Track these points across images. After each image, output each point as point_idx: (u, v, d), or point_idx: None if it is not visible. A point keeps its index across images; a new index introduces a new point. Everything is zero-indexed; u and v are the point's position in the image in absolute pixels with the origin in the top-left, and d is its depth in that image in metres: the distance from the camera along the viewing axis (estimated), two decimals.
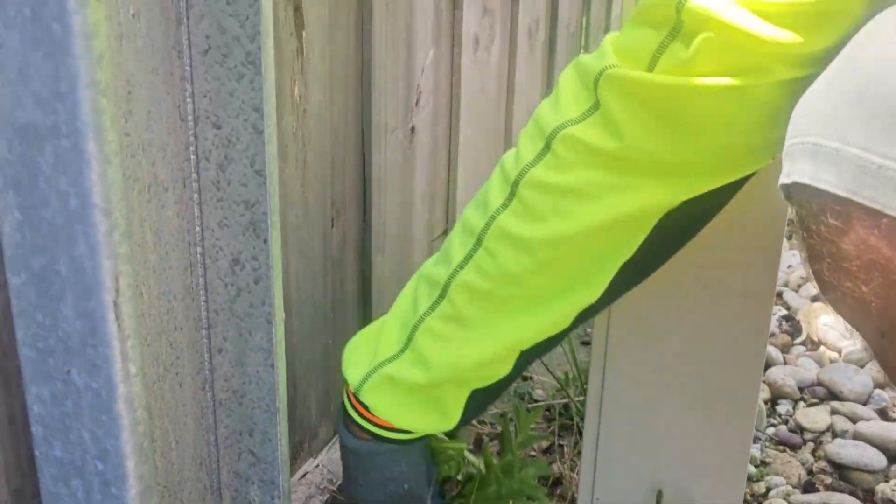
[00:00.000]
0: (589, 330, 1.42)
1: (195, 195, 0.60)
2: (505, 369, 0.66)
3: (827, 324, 1.46)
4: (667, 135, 0.56)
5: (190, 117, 0.58)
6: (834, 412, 1.24)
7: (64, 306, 0.46)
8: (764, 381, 1.31)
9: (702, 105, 0.54)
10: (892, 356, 0.46)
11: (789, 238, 1.81)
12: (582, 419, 1.13)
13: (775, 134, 0.51)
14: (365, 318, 0.96)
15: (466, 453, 0.80)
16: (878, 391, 1.29)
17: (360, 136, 0.90)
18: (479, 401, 0.68)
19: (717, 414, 0.84)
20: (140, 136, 0.53)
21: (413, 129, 1.01)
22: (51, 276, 0.45)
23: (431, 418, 0.67)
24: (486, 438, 1.11)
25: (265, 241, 0.59)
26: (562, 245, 0.60)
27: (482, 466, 0.82)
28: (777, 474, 1.12)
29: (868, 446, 1.15)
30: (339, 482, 0.87)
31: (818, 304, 1.54)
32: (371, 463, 0.68)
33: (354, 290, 0.94)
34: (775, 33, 0.50)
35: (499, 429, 1.08)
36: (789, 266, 1.68)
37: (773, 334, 1.45)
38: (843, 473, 1.12)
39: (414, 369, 0.64)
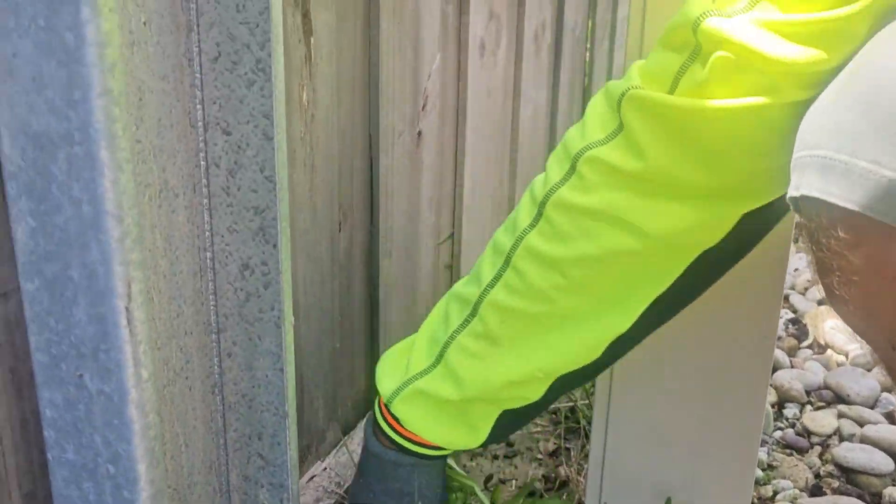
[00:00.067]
0: None
1: (205, 201, 0.60)
2: (537, 393, 0.66)
3: (834, 327, 1.46)
4: (687, 157, 0.56)
5: (200, 124, 0.59)
6: (841, 416, 1.24)
7: (77, 311, 0.46)
8: (771, 385, 1.31)
9: (717, 127, 0.54)
10: None
11: (796, 241, 1.81)
12: (588, 422, 1.13)
13: None
14: (372, 321, 0.97)
15: (477, 490, 0.81)
16: (885, 395, 1.29)
17: (368, 140, 0.91)
18: (509, 422, 0.68)
19: (725, 417, 0.84)
20: (151, 142, 0.54)
21: (420, 133, 1.02)
22: (64, 282, 0.46)
23: (459, 433, 0.67)
24: (497, 478, 1.11)
25: (274, 247, 0.60)
26: (589, 266, 0.60)
27: None
28: (784, 478, 1.12)
29: (875, 450, 1.14)
30: (346, 485, 0.88)
31: (825, 308, 1.54)
32: (393, 473, 0.69)
33: (362, 293, 0.94)
34: (788, 52, 0.50)
35: (510, 470, 1.09)
36: (796, 269, 1.68)
37: (779, 337, 1.45)
38: (850, 477, 1.12)
39: (445, 385, 0.65)
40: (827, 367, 1.37)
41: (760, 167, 0.56)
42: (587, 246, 0.60)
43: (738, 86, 0.52)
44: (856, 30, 0.50)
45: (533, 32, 1.34)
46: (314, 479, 0.88)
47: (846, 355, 1.40)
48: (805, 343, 1.46)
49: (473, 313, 0.65)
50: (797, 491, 1.09)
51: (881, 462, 1.12)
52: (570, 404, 1.20)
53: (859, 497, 1.08)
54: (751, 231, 0.62)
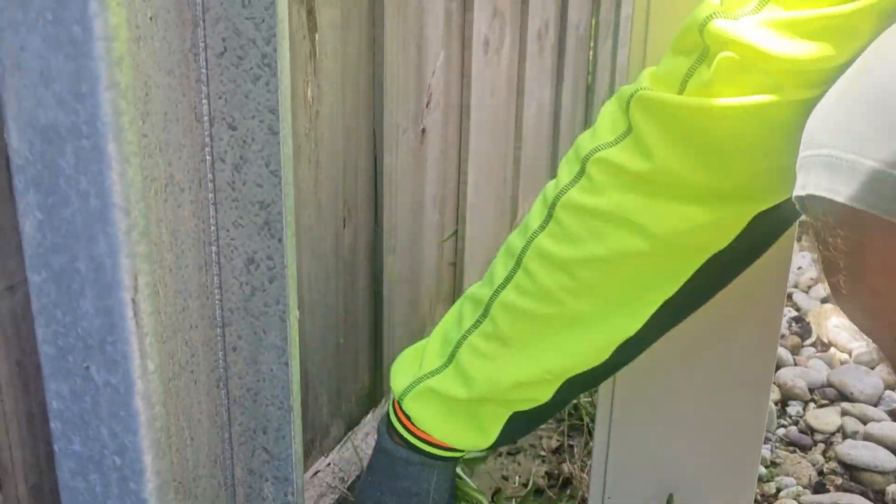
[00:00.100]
0: None
1: (210, 195, 0.60)
2: (545, 395, 0.66)
3: (837, 325, 1.46)
4: (694, 156, 0.56)
5: (206, 118, 0.59)
6: (844, 413, 1.24)
7: (83, 304, 0.47)
8: (774, 383, 1.31)
9: (723, 125, 0.55)
10: None
11: (799, 240, 1.81)
12: (591, 419, 1.13)
13: None
14: (376, 317, 0.97)
15: (485, 502, 0.82)
16: (888, 392, 1.29)
17: (372, 137, 0.91)
18: (519, 425, 0.69)
19: (728, 415, 0.84)
20: (157, 136, 0.54)
21: (424, 130, 1.02)
22: (71, 275, 0.46)
23: (469, 433, 0.68)
24: (500, 475, 1.11)
25: (280, 241, 0.60)
26: (597, 267, 0.60)
27: None
28: (787, 475, 1.12)
29: (879, 447, 1.15)
30: (350, 481, 0.88)
31: (828, 306, 1.54)
32: (403, 471, 0.69)
33: (366, 289, 0.95)
34: (791, 49, 0.50)
35: (513, 467, 1.09)
36: (799, 268, 1.68)
37: (783, 336, 1.45)
38: (853, 474, 1.12)
39: (455, 384, 0.66)
40: (830, 365, 1.38)
41: (767, 167, 0.56)
42: (595, 247, 0.60)
43: (742, 85, 0.53)
44: (860, 26, 0.50)
45: (536, 31, 1.34)
46: (318, 474, 0.88)
47: (850, 353, 1.40)
48: (808, 341, 1.46)
49: (485, 314, 0.65)
50: (800, 488, 1.09)
51: (885, 459, 1.12)
52: (574, 401, 1.20)
53: (862, 494, 1.08)
54: (761, 234, 0.62)
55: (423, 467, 0.70)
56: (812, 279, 1.64)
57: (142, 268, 0.47)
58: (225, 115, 0.59)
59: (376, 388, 1.00)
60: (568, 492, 1.07)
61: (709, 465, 0.86)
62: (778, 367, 1.35)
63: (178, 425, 0.60)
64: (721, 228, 0.60)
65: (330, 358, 0.89)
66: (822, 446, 1.19)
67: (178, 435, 0.60)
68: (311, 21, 0.77)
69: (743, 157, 0.56)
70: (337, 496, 0.86)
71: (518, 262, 0.64)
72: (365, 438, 0.94)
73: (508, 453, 1.20)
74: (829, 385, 1.32)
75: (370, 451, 0.93)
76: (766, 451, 1.16)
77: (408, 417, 0.68)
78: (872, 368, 1.34)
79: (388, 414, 0.71)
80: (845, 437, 1.20)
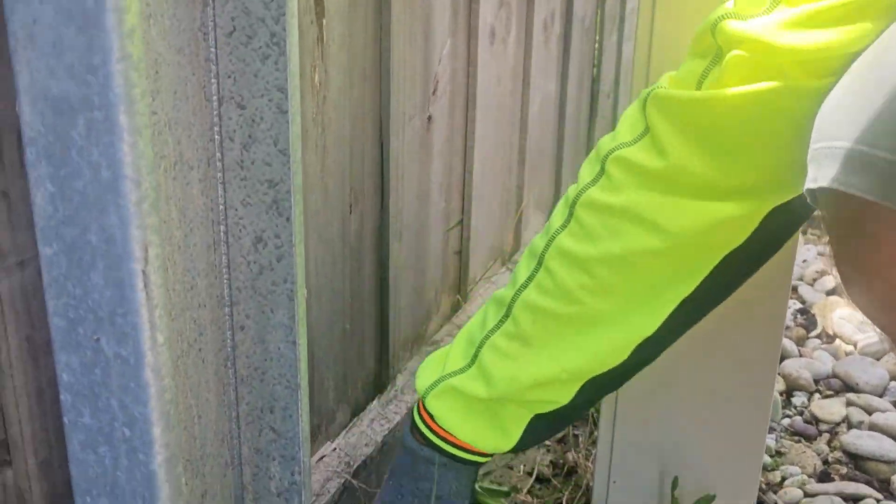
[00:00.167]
0: None
1: (219, 174, 0.61)
2: (565, 396, 0.66)
3: (843, 317, 1.46)
4: (706, 151, 0.57)
5: (215, 97, 0.59)
6: (850, 404, 1.24)
7: (94, 275, 0.47)
8: (779, 374, 1.32)
9: (732, 116, 0.55)
10: None
11: (804, 233, 1.80)
12: (596, 409, 1.14)
13: None
14: (382, 304, 0.97)
15: None
16: (893, 383, 1.29)
17: (379, 123, 0.91)
18: (541, 428, 0.69)
19: (733, 404, 0.84)
20: (167, 114, 0.55)
21: (430, 117, 1.02)
22: (82, 246, 0.47)
23: (490, 434, 0.68)
24: (504, 464, 1.11)
25: (288, 220, 0.61)
26: (614, 265, 0.61)
27: None
28: (792, 464, 1.12)
29: (884, 437, 1.15)
30: (356, 466, 0.88)
31: (833, 298, 1.53)
32: (425, 472, 0.69)
33: (372, 276, 0.95)
34: (795, 39, 0.51)
35: (518, 457, 1.09)
36: (804, 261, 1.68)
37: (788, 327, 1.45)
38: (858, 464, 1.12)
39: (477, 383, 0.66)
40: (835, 356, 1.38)
41: (779, 161, 0.56)
42: (612, 245, 0.60)
43: (749, 76, 0.53)
44: (868, 15, 0.50)
45: (542, 21, 1.34)
46: (324, 458, 0.88)
47: (855, 345, 1.40)
48: (814, 333, 1.46)
49: (507, 314, 0.66)
50: (805, 477, 1.09)
51: (889, 449, 1.12)
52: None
53: (867, 483, 1.08)
54: (776, 230, 0.62)
55: (444, 469, 0.69)
56: (817, 272, 1.64)
57: (152, 240, 0.47)
58: (234, 94, 0.59)
59: (382, 375, 1.00)
60: (573, 480, 1.08)
61: (713, 453, 0.86)
62: (783, 359, 1.35)
63: (185, 403, 0.60)
64: (736, 225, 0.60)
65: (336, 343, 0.89)
66: (827, 436, 1.19)
67: (186, 412, 0.60)
68: (318, 6, 0.78)
69: (754, 151, 0.56)
70: (343, 481, 0.86)
71: (540, 262, 0.64)
72: (371, 424, 0.95)
73: None
74: (835, 376, 1.32)
75: (376, 438, 0.93)
76: (771, 441, 1.16)
77: (431, 417, 0.68)
78: (878, 360, 1.34)
79: (412, 414, 0.71)
80: (850, 427, 1.20)
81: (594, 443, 1.07)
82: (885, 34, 0.47)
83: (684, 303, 0.63)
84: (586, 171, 0.64)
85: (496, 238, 1.31)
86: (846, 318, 1.46)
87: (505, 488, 0.81)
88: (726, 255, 0.62)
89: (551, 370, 0.64)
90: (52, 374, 0.56)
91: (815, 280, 1.63)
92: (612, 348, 0.64)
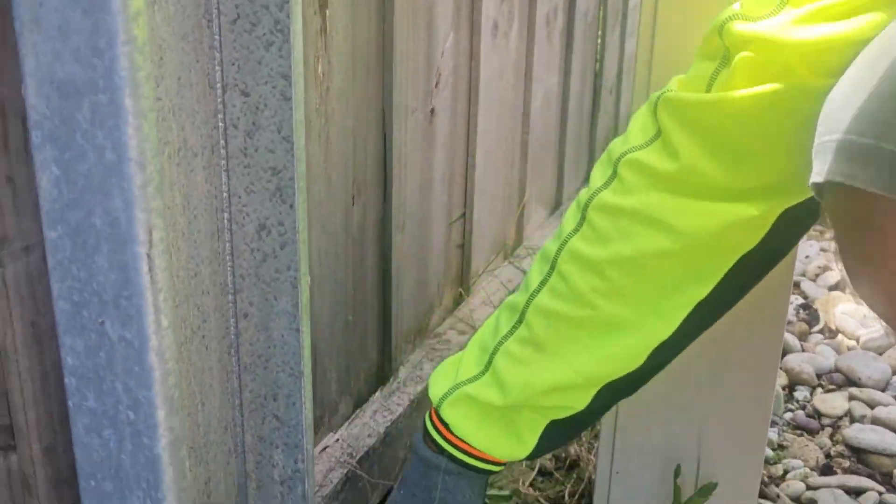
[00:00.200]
0: None
1: (223, 161, 0.61)
2: (581, 402, 0.66)
3: (845, 312, 1.46)
4: (717, 154, 0.57)
5: (219, 85, 0.60)
6: (852, 398, 1.24)
7: (99, 259, 0.47)
8: (781, 368, 1.32)
9: (740, 118, 0.55)
10: None
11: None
12: None
13: None
14: (385, 296, 0.98)
15: None
16: None
17: (381, 115, 0.92)
18: (557, 434, 0.68)
19: (736, 395, 0.84)
20: (171, 100, 0.55)
21: (433, 110, 1.02)
22: (86, 230, 0.47)
23: (506, 442, 0.67)
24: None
25: (291, 207, 0.61)
26: (626, 267, 0.61)
27: None
28: (795, 457, 1.12)
29: (887, 431, 1.15)
30: (359, 456, 0.88)
31: (836, 294, 1.53)
32: (438, 481, 0.69)
33: (375, 268, 0.95)
34: (800, 34, 0.51)
35: (523, 466, 1.09)
36: (807, 256, 1.68)
37: (790, 322, 1.45)
38: (861, 457, 1.12)
39: (491, 390, 0.66)
40: (838, 351, 1.38)
41: (790, 162, 0.56)
42: (625, 247, 0.60)
43: (759, 79, 0.53)
44: (880, 4, 0.50)
45: (545, 16, 1.34)
46: (326, 449, 0.89)
47: (857, 340, 1.40)
48: (816, 328, 1.46)
49: (520, 319, 0.66)
50: (808, 470, 1.09)
51: (892, 442, 1.12)
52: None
53: (870, 476, 1.08)
54: (789, 230, 0.62)
55: (458, 478, 0.69)
56: (819, 267, 1.64)
57: (156, 223, 0.47)
58: (238, 82, 0.59)
59: (385, 367, 1.01)
60: (575, 473, 1.08)
61: (716, 446, 0.86)
62: (785, 353, 1.35)
63: (189, 390, 0.61)
64: (749, 226, 0.60)
65: (339, 334, 0.89)
66: (829, 430, 1.19)
67: (189, 399, 0.61)
68: None
69: (765, 153, 0.56)
70: (346, 471, 0.86)
71: (552, 266, 0.64)
72: (373, 416, 0.95)
73: None
74: (837, 370, 1.32)
75: (379, 429, 0.93)
76: (773, 435, 1.16)
77: (445, 426, 0.68)
78: (880, 354, 1.34)
79: (424, 423, 0.70)
80: (853, 421, 1.20)
81: (596, 436, 1.07)
82: (891, 25, 0.47)
83: (700, 306, 0.63)
84: (598, 174, 0.64)
85: (498, 232, 1.31)
86: (848, 314, 1.46)
87: (506, 492, 0.80)
88: (741, 258, 0.61)
89: (566, 375, 0.64)
90: (57, 359, 0.57)
91: (817, 276, 1.63)
92: (627, 353, 0.64)
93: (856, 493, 1.05)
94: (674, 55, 0.78)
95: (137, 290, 0.47)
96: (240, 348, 0.65)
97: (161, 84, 0.53)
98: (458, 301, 1.19)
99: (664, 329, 0.63)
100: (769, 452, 1.12)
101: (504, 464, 0.69)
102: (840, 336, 1.43)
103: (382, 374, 1.01)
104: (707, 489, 0.81)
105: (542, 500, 1.02)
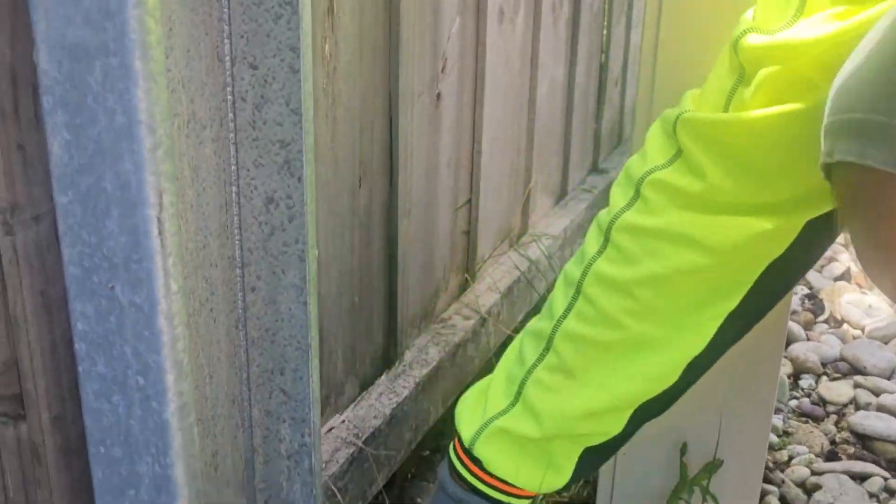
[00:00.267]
0: None
1: (231, 135, 0.61)
2: (617, 426, 0.65)
3: (850, 302, 1.46)
4: (742, 172, 0.57)
5: (227, 58, 0.60)
6: (857, 386, 1.24)
7: (109, 223, 0.47)
8: (787, 357, 1.31)
9: (760, 139, 0.54)
10: None
11: None
12: None
13: None
14: (391, 279, 0.98)
15: None
16: None
17: (388, 99, 0.92)
18: (592, 460, 0.68)
19: (741, 377, 0.84)
20: (180, 71, 0.55)
21: (439, 94, 1.03)
22: (97, 194, 0.47)
23: (543, 473, 0.66)
24: None
25: (299, 180, 0.61)
26: (657, 286, 0.60)
27: None
28: (800, 444, 1.12)
29: (892, 418, 1.15)
30: (365, 437, 0.89)
31: (841, 284, 1.53)
32: None
33: (381, 251, 0.95)
34: (812, 32, 0.50)
35: None
36: None
37: (795, 312, 1.45)
38: (866, 443, 1.12)
39: (525, 422, 0.65)
40: (843, 340, 1.37)
41: (813, 178, 0.53)
42: (654, 266, 0.60)
43: (780, 95, 0.53)
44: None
45: (551, 4, 1.35)
46: (332, 430, 0.89)
47: (862, 330, 1.40)
48: (821, 318, 1.46)
49: (548, 347, 0.65)
50: (813, 456, 1.10)
51: None
52: None
53: (875, 463, 1.08)
54: (819, 236, 0.61)
55: None
56: (825, 258, 1.64)
57: (166, 186, 0.47)
58: (246, 55, 0.60)
59: (390, 350, 1.01)
60: None
61: (721, 428, 0.86)
62: (791, 342, 1.35)
63: (198, 362, 0.61)
64: (777, 236, 0.60)
65: (345, 315, 0.90)
66: (834, 417, 1.19)
67: (197, 372, 0.61)
68: None
69: (789, 170, 0.56)
70: (351, 451, 0.86)
71: (578, 290, 0.63)
72: (379, 398, 0.95)
73: None
74: (842, 359, 1.32)
75: (384, 410, 0.94)
76: (778, 421, 1.16)
77: (475, 463, 0.66)
78: (886, 343, 1.34)
79: (450, 462, 0.69)
80: (858, 408, 1.20)
81: None
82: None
83: (730, 317, 0.62)
84: (618, 195, 0.63)
85: (504, 219, 1.31)
86: (854, 303, 1.45)
87: None
88: (768, 266, 0.61)
89: (601, 400, 0.63)
90: (66, 328, 0.57)
91: (823, 266, 1.63)
92: (661, 371, 0.63)
93: (860, 478, 1.05)
94: (679, 47, 0.78)
95: (147, 253, 0.47)
96: (247, 322, 0.65)
97: (170, 55, 0.54)
98: (463, 287, 1.19)
99: (697, 343, 0.63)
100: (774, 439, 1.12)
101: (539, 495, 0.68)
102: (845, 325, 1.43)
103: (388, 358, 1.01)
104: (713, 466, 0.82)
105: None
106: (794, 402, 1.22)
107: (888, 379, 1.26)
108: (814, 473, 1.05)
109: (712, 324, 0.62)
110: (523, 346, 0.67)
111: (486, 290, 1.20)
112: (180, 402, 0.51)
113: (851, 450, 1.11)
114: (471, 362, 1.13)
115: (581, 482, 1.01)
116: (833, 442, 1.13)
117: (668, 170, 0.60)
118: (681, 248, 0.59)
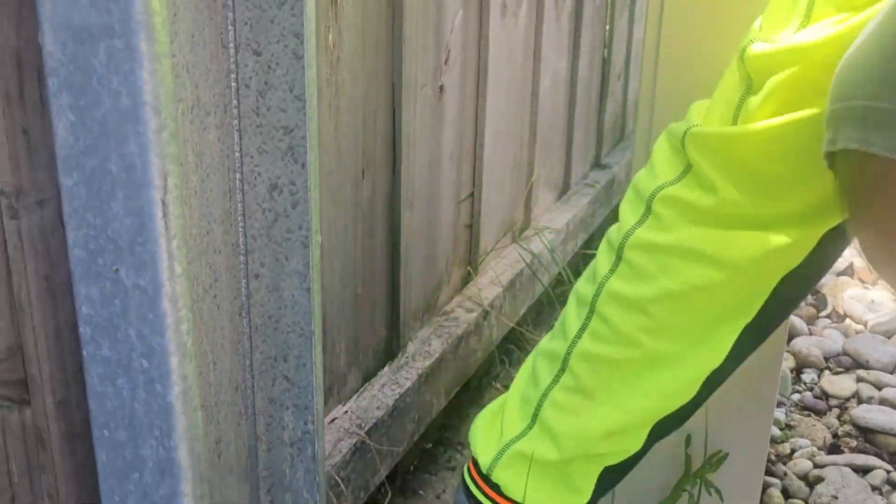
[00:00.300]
0: None
1: (235, 122, 0.61)
2: (636, 444, 0.65)
3: (853, 297, 1.46)
4: (754, 185, 0.56)
5: (231, 45, 0.60)
6: (860, 380, 1.24)
7: (114, 205, 0.48)
8: (789, 351, 1.31)
9: (772, 148, 0.54)
10: None
11: None
12: None
13: None
14: (393, 271, 0.98)
15: None
16: None
17: (391, 89, 0.92)
18: (610, 479, 0.67)
19: (741, 375, 0.84)
20: (184, 57, 0.55)
21: (442, 87, 1.03)
22: (102, 176, 0.47)
23: (563, 495, 0.66)
24: None
25: (303, 166, 0.61)
26: (672, 302, 0.60)
27: None
28: (802, 437, 1.12)
29: (895, 411, 1.14)
30: (367, 427, 0.89)
31: (844, 279, 1.53)
32: None
33: (384, 242, 0.96)
34: (816, 34, 0.50)
35: None
36: None
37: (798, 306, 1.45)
38: (868, 437, 1.12)
39: (543, 445, 0.64)
40: (846, 335, 1.37)
41: (828, 187, 0.53)
42: (669, 282, 0.59)
43: (787, 102, 0.52)
44: None
45: None
46: (335, 421, 0.89)
47: (865, 325, 1.40)
48: (824, 313, 1.46)
49: (563, 368, 0.64)
50: (815, 449, 1.09)
51: None
52: None
53: (877, 456, 1.08)
54: (832, 242, 0.61)
55: None
56: None
57: (171, 168, 0.48)
58: (250, 41, 0.60)
59: (393, 343, 1.01)
60: None
61: (724, 420, 0.86)
62: (793, 337, 1.35)
63: (201, 349, 0.61)
64: (795, 248, 0.59)
65: (348, 306, 0.90)
66: (836, 411, 1.19)
67: (201, 358, 0.61)
68: None
69: (800, 180, 0.55)
70: (354, 441, 0.86)
71: (591, 309, 0.63)
72: (382, 389, 0.95)
73: None
74: (845, 354, 1.31)
75: (387, 402, 0.94)
76: (780, 415, 1.16)
77: (493, 488, 0.66)
78: (888, 338, 1.34)
79: (465, 485, 0.68)
80: (860, 402, 1.20)
81: None
82: None
83: (746, 329, 0.62)
84: (628, 212, 0.63)
85: (506, 213, 1.31)
86: (856, 299, 1.45)
87: None
88: (783, 277, 0.60)
89: (620, 419, 0.63)
90: (71, 313, 0.57)
91: None
92: (678, 387, 0.63)
93: (863, 471, 1.05)
94: (681, 42, 0.78)
95: (152, 235, 0.48)
96: (251, 309, 0.66)
97: (175, 41, 0.54)
98: (466, 280, 1.19)
99: (714, 358, 0.62)
100: (777, 432, 1.12)
101: None
102: (848, 320, 1.43)
103: (391, 350, 1.01)
104: (717, 459, 0.82)
105: None
106: (796, 396, 1.22)
107: (891, 373, 1.25)
108: (816, 466, 1.05)
109: (729, 338, 0.62)
110: (537, 368, 0.67)
111: (489, 284, 1.20)
112: (184, 385, 0.51)
113: (854, 443, 1.11)
114: (473, 355, 1.13)
115: None
116: (835, 435, 1.13)
117: (679, 185, 0.59)
118: (694, 263, 0.59)
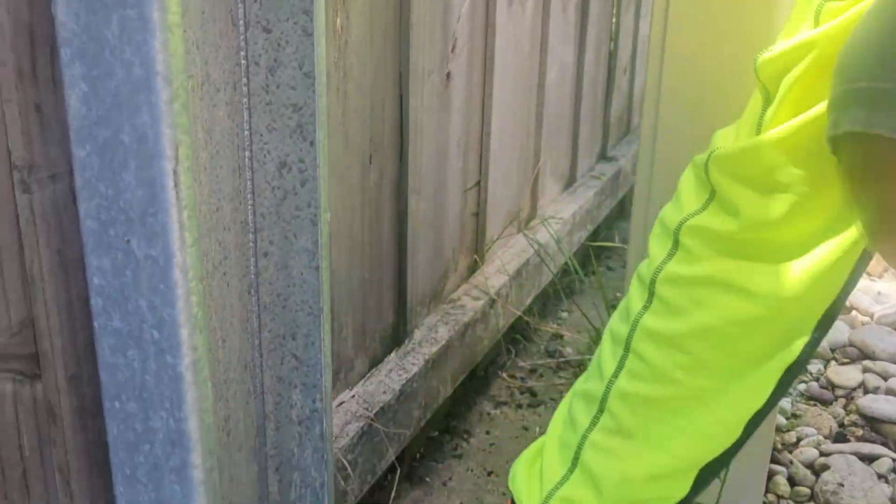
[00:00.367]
0: (619, 294, 1.43)
1: (245, 99, 0.62)
2: (682, 489, 0.63)
3: (859, 289, 1.46)
4: (775, 195, 0.55)
5: (241, 22, 0.60)
6: (866, 370, 1.24)
7: (126, 176, 0.48)
8: None
9: (793, 149, 0.53)
10: None
11: None
12: None
13: None
14: (400, 257, 0.98)
15: None
16: None
17: (398, 76, 0.92)
18: None
19: None
20: (195, 33, 0.56)
21: (449, 74, 1.03)
22: (114, 146, 0.48)
23: None
24: (520, 426, 1.12)
25: (312, 144, 0.61)
26: (707, 337, 0.59)
27: None
28: (808, 426, 1.12)
29: None
30: (375, 410, 0.89)
31: None
32: None
33: (391, 228, 0.96)
34: (824, 27, 0.50)
35: (534, 419, 1.08)
36: None
37: None
38: (874, 426, 1.12)
39: (585, 490, 0.63)
40: (852, 326, 1.37)
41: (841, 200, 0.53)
42: (702, 316, 0.58)
43: (801, 102, 0.52)
44: None
45: None
46: (343, 404, 0.89)
47: (871, 316, 1.40)
48: None
49: (601, 409, 0.63)
50: (821, 438, 1.09)
51: None
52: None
53: (883, 444, 1.08)
54: (865, 265, 0.59)
55: None
56: None
57: (182, 139, 0.48)
58: (260, 19, 0.60)
59: (400, 329, 1.01)
60: None
61: None
62: None
63: (210, 325, 0.61)
64: (832, 275, 0.57)
65: (356, 291, 0.90)
66: (843, 401, 1.19)
67: (211, 335, 0.61)
68: None
69: (823, 181, 0.54)
70: (362, 424, 0.87)
71: (626, 348, 0.62)
72: (389, 374, 0.96)
73: (529, 405, 1.21)
74: (851, 345, 1.31)
75: (394, 386, 0.94)
76: (786, 404, 1.16)
77: None
78: (895, 330, 1.34)
79: None
80: (866, 392, 1.20)
81: None
82: None
83: (790, 368, 0.60)
84: (657, 246, 0.62)
85: (513, 202, 1.31)
86: (863, 290, 1.45)
87: None
88: (827, 308, 0.59)
89: (663, 461, 0.62)
90: (83, 288, 0.58)
91: None
92: (721, 428, 0.61)
93: (869, 459, 1.05)
94: (687, 37, 0.79)
95: (163, 206, 0.48)
96: (259, 288, 0.66)
97: (185, 17, 0.54)
98: (472, 268, 1.20)
99: (758, 398, 0.61)
100: (782, 420, 1.12)
101: None
102: (854, 312, 1.42)
103: (397, 336, 1.01)
104: None
105: None
106: (802, 386, 1.22)
107: None
108: (822, 454, 1.05)
109: (772, 377, 0.60)
110: (573, 410, 0.66)
111: (495, 272, 1.20)
112: (194, 357, 0.51)
113: (860, 432, 1.11)
114: (480, 342, 1.14)
115: None
116: (841, 424, 1.13)
117: (703, 214, 0.59)
118: (726, 295, 0.58)
